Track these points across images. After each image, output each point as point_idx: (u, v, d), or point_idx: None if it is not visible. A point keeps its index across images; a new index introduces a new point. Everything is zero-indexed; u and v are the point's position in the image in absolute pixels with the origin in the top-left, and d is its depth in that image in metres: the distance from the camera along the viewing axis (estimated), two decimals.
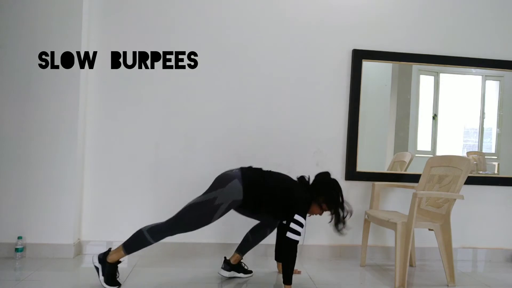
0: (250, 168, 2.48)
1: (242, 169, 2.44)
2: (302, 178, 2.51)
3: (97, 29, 3.07)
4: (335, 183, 2.47)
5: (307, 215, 2.42)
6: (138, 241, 2.33)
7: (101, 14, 3.08)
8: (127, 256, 3.00)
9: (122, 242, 2.37)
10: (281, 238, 2.64)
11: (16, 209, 2.91)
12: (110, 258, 2.35)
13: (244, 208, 2.42)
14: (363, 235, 3.08)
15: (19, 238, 2.86)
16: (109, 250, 2.40)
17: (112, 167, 3.10)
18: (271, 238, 3.02)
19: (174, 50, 3.11)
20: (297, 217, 2.29)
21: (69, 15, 2.92)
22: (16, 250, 2.83)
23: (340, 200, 2.43)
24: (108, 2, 3.08)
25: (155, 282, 2.53)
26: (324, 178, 2.48)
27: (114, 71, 3.08)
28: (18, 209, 2.91)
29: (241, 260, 2.69)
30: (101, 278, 2.35)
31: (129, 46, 3.09)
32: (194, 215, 2.32)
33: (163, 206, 3.11)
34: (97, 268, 2.36)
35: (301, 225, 2.29)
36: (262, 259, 3.10)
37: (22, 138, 2.91)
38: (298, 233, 2.28)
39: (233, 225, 3.12)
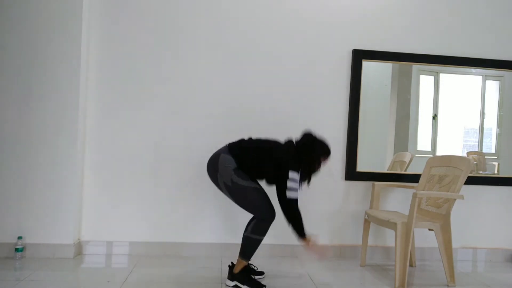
0: (238, 141, 2.53)
1: (229, 144, 2.50)
2: (289, 139, 2.53)
3: (97, 29, 3.07)
4: (319, 139, 2.49)
5: (299, 173, 2.40)
6: (251, 244, 2.40)
7: (101, 14, 3.08)
8: (127, 257, 3.03)
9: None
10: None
11: (16, 209, 2.91)
12: (236, 270, 2.44)
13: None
14: (363, 235, 3.08)
15: (19, 238, 2.86)
16: (233, 266, 2.49)
17: (112, 167, 3.10)
18: (272, 238, 3.02)
19: (174, 47, 3.11)
20: (291, 174, 2.31)
21: (69, 15, 2.92)
22: (16, 250, 2.83)
23: (320, 154, 2.45)
24: (108, 2, 3.08)
25: (155, 282, 2.54)
26: (309, 135, 2.50)
27: (114, 71, 3.09)
28: (18, 209, 2.91)
29: (249, 263, 2.66)
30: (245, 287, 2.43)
31: (129, 46, 3.09)
32: (253, 198, 2.37)
33: (163, 206, 3.12)
34: (237, 286, 2.44)
35: (295, 180, 2.31)
36: (266, 259, 3.10)
37: (22, 138, 2.91)
38: (295, 190, 2.31)
39: (233, 225, 3.12)
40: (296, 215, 2.33)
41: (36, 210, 2.92)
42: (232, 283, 2.45)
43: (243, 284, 2.42)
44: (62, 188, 2.93)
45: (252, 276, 2.53)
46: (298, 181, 2.34)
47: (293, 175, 2.31)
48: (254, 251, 2.42)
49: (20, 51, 2.90)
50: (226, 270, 2.80)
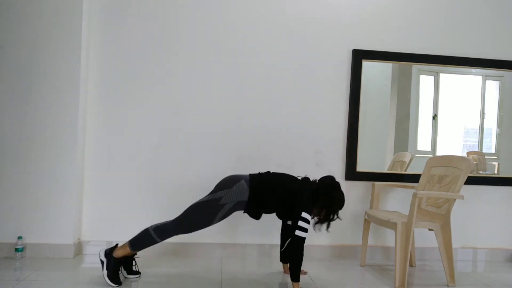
0: (258, 173, 2.54)
1: (251, 174, 2.50)
2: (306, 178, 2.54)
3: (97, 29, 3.07)
4: (339, 187, 2.51)
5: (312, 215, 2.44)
6: (145, 239, 2.40)
7: (101, 14, 3.07)
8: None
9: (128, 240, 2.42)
10: (286, 239, 2.66)
11: (16, 209, 2.91)
12: (116, 254, 2.41)
13: (249, 210, 2.45)
14: (363, 235, 3.08)
15: (19, 238, 2.86)
16: (116, 245, 2.45)
17: (112, 167, 3.10)
18: (274, 238, 3.02)
19: (173, 48, 3.11)
20: (304, 214, 2.32)
21: (69, 15, 2.92)
22: (16, 250, 2.83)
23: (338, 206, 2.48)
24: (108, 2, 3.08)
25: (155, 282, 2.53)
26: (330, 181, 2.52)
27: (114, 71, 3.08)
28: (18, 209, 2.91)
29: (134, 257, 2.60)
30: (105, 272, 2.39)
31: (129, 46, 3.09)
32: (197, 215, 2.39)
33: (163, 206, 3.11)
34: (102, 262, 2.41)
35: (308, 222, 2.33)
36: (267, 259, 3.10)
37: (22, 138, 2.91)
38: (305, 230, 2.32)
39: (234, 225, 3.12)
40: (298, 255, 2.34)
41: (36, 210, 2.92)
42: (103, 258, 2.40)
43: (107, 269, 2.38)
44: (62, 188, 2.92)
45: (121, 269, 2.49)
46: (310, 223, 2.35)
47: (306, 215, 2.33)
48: (145, 247, 2.41)
49: (20, 51, 2.90)
50: (226, 270, 2.80)
